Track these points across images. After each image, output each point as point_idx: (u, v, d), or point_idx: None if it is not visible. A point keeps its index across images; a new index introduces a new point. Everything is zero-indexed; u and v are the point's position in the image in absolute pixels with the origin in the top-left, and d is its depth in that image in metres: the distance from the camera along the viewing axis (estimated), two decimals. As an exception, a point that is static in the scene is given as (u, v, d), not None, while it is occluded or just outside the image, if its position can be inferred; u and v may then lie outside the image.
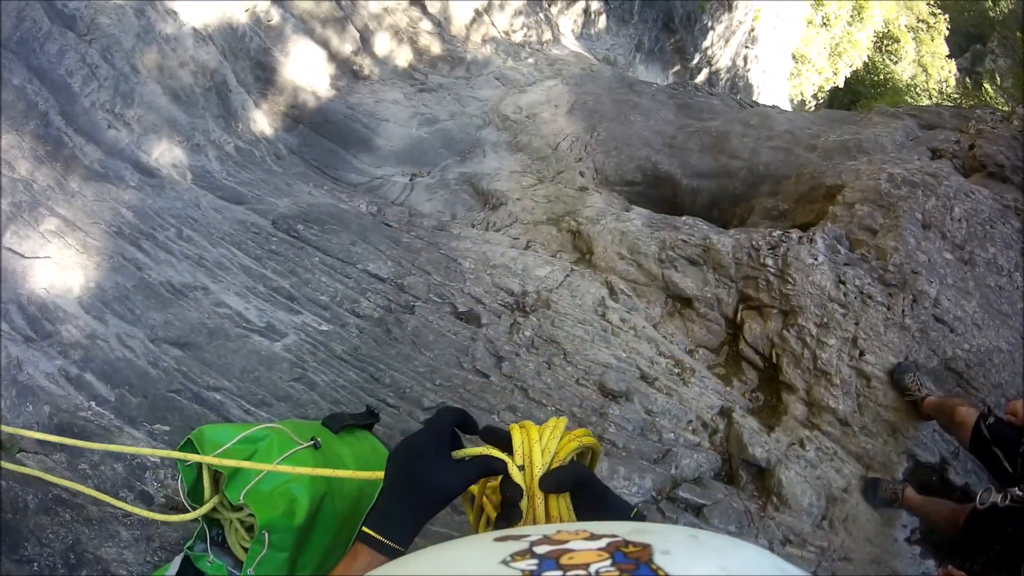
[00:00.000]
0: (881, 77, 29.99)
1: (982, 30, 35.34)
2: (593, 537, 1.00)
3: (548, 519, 1.52)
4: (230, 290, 4.98)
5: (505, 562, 0.93)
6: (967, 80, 30.64)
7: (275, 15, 7.41)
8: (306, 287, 5.35)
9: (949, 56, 38.45)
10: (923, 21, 38.43)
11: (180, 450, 2.47)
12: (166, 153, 5.65)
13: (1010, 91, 15.55)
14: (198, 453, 2.42)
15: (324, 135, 7.59)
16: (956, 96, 23.09)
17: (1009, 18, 23.57)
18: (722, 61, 18.61)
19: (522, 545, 0.99)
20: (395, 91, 8.55)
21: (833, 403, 5.42)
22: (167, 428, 3.90)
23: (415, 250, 6.18)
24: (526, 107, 9.35)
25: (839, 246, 6.29)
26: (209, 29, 6.62)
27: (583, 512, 1.54)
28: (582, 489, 1.55)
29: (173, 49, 6.14)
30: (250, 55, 7.10)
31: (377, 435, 3.13)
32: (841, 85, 28.75)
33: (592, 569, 0.87)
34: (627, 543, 0.96)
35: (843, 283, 5.94)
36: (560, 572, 0.87)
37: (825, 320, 5.75)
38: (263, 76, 7.21)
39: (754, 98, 16.41)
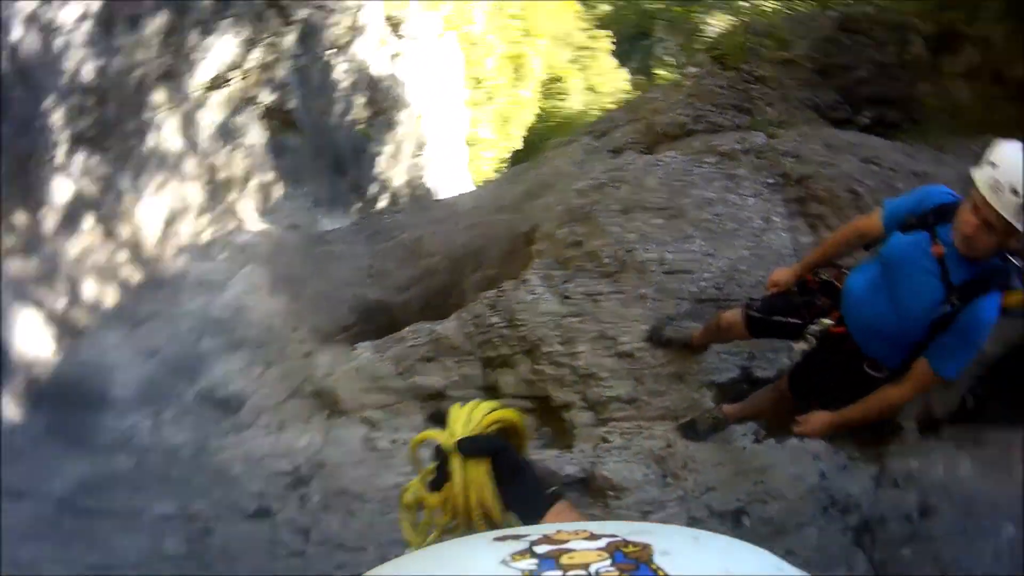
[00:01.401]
0: (554, 122, 31.27)
1: (645, 24, 37.08)
2: (593, 537, 1.01)
3: (466, 484, 1.70)
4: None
5: (504, 562, 0.94)
6: (641, 78, 32.11)
7: None
8: (113, 553, 5.43)
9: (620, 66, 40.51)
10: (584, 48, 40.47)
11: None
12: None
13: (684, 64, 16.47)
14: None
15: (67, 403, 7.60)
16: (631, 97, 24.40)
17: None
18: (398, 179, 19.06)
19: (521, 545, 1.00)
20: (113, 335, 8.65)
21: (612, 393, 5.74)
22: None
23: (186, 479, 6.38)
24: (232, 302, 9.54)
25: (552, 272, 6.64)
26: None
27: (501, 481, 1.69)
28: (497, 456, 1.71)
29: None
30: None
31: None
32: (520, 147, 29.69)
33: (592, 569, 0.88)
34: (627, 543, 0.97)
35: (568, 298, 6.29)
36: (560, 572, 0.89)
37: (568, 335, 6.07)
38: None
39: (438, 199, 16.95)
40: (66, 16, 8.43)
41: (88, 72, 8.75)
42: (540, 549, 0.96)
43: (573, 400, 5.86)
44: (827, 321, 4.28)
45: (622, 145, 8.75)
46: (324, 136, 15.45)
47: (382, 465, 5.89)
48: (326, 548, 5.21)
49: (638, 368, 5.73)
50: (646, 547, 0.94)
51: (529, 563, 0.92)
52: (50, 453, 6.93)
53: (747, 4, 13.06)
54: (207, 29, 11.05)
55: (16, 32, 7.82)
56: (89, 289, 8.70)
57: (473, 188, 19.83)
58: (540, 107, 33.18)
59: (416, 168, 20.40)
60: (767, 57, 8.86)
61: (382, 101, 17.63)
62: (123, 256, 9.27)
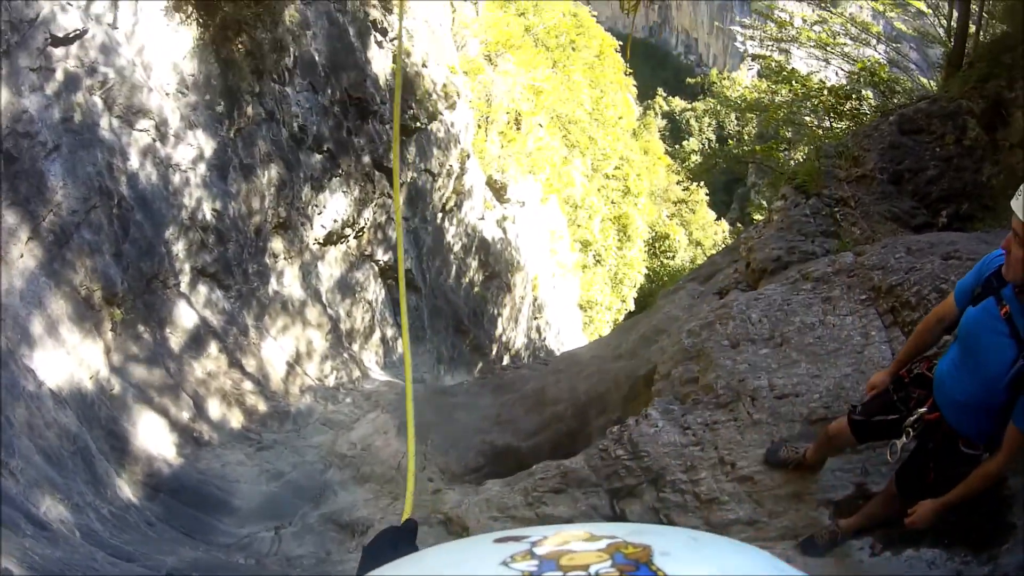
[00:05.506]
0: (664, 279, 31.50)
1: (738, 171, 37.55)
2: (593, 538, 1.02)
3: None
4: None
5: (505, 563, 0.95)
6: (739, 225, 32.42)
7: (115, 384, 7.82)
8: None
9: (718, 218, 41.17)
10: (681, 201, 41.23)
11: None
12: (52, 509, 5.86)
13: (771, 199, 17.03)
14: None
15: (184, 502, 7.88)
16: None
17: (753, 142, 25.57)
18: (518, 341, 19.67)
19: (522, 546, 1.00)
20: (237, 453, 8.97)
21: (733, 516, 5.68)
22: None
23: (307, 582, 6.30)
24: (359, 441, 9.80)
25: (671, 407, 6.77)
26: (63, 393, 7.00)
27: None
28: None
29: (37, 408, 6.49)
30: (102, 424, 7.44)
31: None
32: (632, 308, 30.05)
33: (592, 570, 0.89)
34: (627, 544, 0.98)
35: (688, 428, 6.37)
36: (560, 573, 0.90)
37: (689, 464, 6.13)
38: (117, 445, 7.55)
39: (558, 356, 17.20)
40: (181, 155, 9.14)
41: (207, 211, 9.39)
42: (540, 550, 0.98)
43: (697, 525, 5.79)
44: (921, 410, 4.29)
45: (726, 286, 8.98)
46: (442, 297, 16.01)
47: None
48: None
49: (758, 491, 5.75)
50: (646, 548, 0.96)
51: (530, 564, 0.94)
52: (166, 538, 7.14)
53: (821, 130, 13.54)
54: (318, 185, 11.77)
55: (134, 161, 8.51)
56: (214, 409, 9.09)
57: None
58: (648, 266, 33.63)
59: (535, 331, 20.74)
60: (842, 177, 9.12)
61: (495, 264, 18.25)
62: (249, 386, 9.68)
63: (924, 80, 14.49)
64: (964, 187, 8.56)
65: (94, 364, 7.64)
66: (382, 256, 13.98)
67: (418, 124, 14.71)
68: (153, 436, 8.09)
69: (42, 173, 7.37)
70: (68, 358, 7.27)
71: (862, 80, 13.34)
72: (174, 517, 7.68)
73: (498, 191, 19.49)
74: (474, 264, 17.76)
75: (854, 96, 13.05)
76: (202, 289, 9.41)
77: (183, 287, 9.09)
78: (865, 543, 5.24)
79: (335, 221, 12.14)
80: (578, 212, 28.19)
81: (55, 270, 7.38)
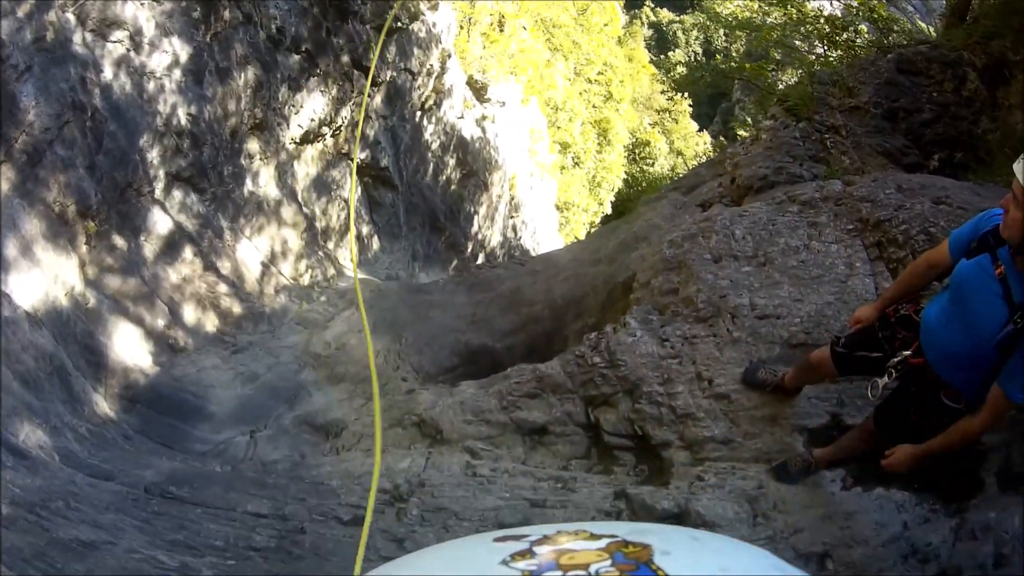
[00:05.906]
0: (643, 185, 31.52)
1: (723, 86, 37.40)
2: (593, 537, 1.03)
3: None
4: (134, 543, 5.18)
5: (505, 562, 0.97)
6: (722, 139, 32.33)
7: (91, 298, 7.76)
8: (198, 536, 5.52)
9: (700, 130, 41.08)
10: (664, 110, 41.02)
11: None
12: (31, 435, 5.88)
13: (759, 119, 17.18)
14: None
15: (161, 411, 7.86)
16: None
17: (741, 60, 25.43)
18: (494, 239, 19.64)
19: (522, 545, 1.02)
20: (212, 357, 8.92)
21: (708, 433, 5.79)
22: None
23: (282, 486, 6.39)
24: (333, 340, 9.74)
25: (650, 317, 6.85)
26: (39, 313, 6.95)
27: None
28: None
29: (14, 333, 6.44)
30: (78, 339, 7.39)
31: None
32: (609, 211, 30.18)
33: (592, 569, 0.91)
34: (627, 543, 0.99)
35: (666, 340, 6.44)
36: (560, 572, 0.92)
37: (666, 376, 6.19)
38: (93, 360, 7.50)
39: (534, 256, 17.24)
40: (156, 63, 8.94)
41: (181, 116, 9.21)
42: (541, 549, 1.00)
43: (671, 439, 5.93)
44: (906, 353, 4.32)
45: (709, 199, 9.07)
46: (418, 194, 15.90)
47: (482, 489, 5.97)
48: (419, 557, 5.18)
49: (733, 410, 5.84)
50: (646, 547, 0.98)
51: (530, 563, 0.95)
52: (143, 450, 7.14)
53: (813, 56, 13.60)
54: (296, 85, 11.55)
55: (107, 73, 8.30)
56: (189, 314, 9.03)
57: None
58: (628, 171, 33.57)
59: (511, 230, 20.72)
60: (835, 106, 9.19)
61: (472, 162, 18.10)
62: (223, 288, 9.60)
63: (923, 25, 14.52)
64: (959, 136, 8.65)
65: (69, 280, 7.55)
66: (359, 154, 13.78)
67: (399, 24, 14.41)
68: (129, 347, 8.04)
69: (14, 96, 7.15)
70: (43, 277, 7.19)
71: (860, 14, 13.30)
72: (151, 428, 7.67)
73: (479, 91, 19.27)
74: (452, 162, 17.64)
75: (851, 28, 13.02)
76: (177, 194, 9.27)
77: (158, 193, 8.94)
78: (837, 475, 5.34)
79: (312, 120, 11.96)
80: (559, 114, 27.85)
81: (28, 190, 7.23)
